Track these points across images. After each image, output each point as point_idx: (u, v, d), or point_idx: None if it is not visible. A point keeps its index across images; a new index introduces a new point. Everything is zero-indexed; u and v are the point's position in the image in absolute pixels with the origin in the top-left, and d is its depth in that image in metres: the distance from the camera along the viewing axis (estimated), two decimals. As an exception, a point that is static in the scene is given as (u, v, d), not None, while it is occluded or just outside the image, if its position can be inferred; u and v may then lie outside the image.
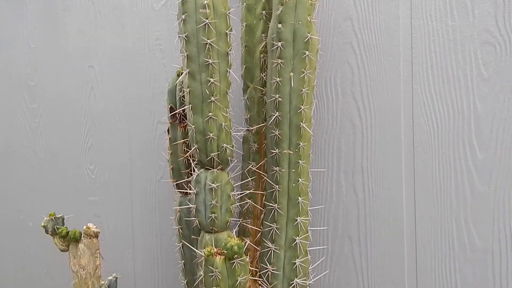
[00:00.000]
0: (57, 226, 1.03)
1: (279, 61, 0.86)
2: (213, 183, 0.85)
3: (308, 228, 0.93)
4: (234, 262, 0.75)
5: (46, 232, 1.03)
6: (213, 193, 0.85)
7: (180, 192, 0.98)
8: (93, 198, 1.37)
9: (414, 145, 1.02)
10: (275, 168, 0.90)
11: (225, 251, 0.75)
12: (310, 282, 0.94)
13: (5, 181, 1.55)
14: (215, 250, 0.77)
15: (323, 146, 1.09)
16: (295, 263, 0.89)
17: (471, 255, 0.96)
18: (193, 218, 0.88)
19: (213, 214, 0.85)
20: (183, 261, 0.96)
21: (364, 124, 1.05)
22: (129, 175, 1.32)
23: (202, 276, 0.79)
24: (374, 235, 1.05)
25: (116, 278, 1.05)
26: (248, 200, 0.97)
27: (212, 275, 0.75)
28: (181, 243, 0.96)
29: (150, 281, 1.30)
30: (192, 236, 0.94)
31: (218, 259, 0.76)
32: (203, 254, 0.77)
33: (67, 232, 1.01)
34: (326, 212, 1.09)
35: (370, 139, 1.05)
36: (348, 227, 1.07)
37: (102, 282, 1.03)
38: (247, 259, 0.78)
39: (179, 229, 0.96)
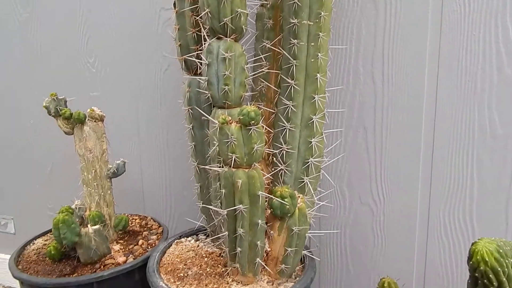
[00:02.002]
0: (60, 107, 0.97)
1: None
2: (227, 52, 0.78)
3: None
4: (250, 129, 0.71)
5: (49, 113, 0.98)
6: (227, 63, 0.78)
7: (189, 71, 0.92)
8: (95, 94, 1.31)
9: (442, 27, 0.93)
10: (292, 41, 0.82)
11: (241, 117, 0.70)
12: (325, 163, 0.91)
13: None
14: (230, 118, 0.73)
15: (341, 31, 1.01)
16: (311, 142, 0.86)
17: (491, 142, 0.93)
18: (205, 92, 0.82)
19: (226, 87, 0.79)
20: (193, 142, 0.92)
21: (388, 5, 0.96)
22: (132, 68, 1.25)
23: (216, 146, 0.75)
24: (390, 125, 1.01)
25: (124, 162, 1.02)
26: (263, 80, 0.91)
27: (228, 142, 0.71)
28: (191, 125, 0.91)
29: (157, 176, 1.28)
30: (203, 118, 0.90)
31: (234, 126, 0.71)
32: (217, 122, 0.73)
33: (71, 114, 0.96)
34: (340, 101, 1.03)
35: (394, 22, 0.97)
36: (363, 116, 1.02)
37: (110, 166, 1.01)
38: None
39: (188, 110, 0.91)
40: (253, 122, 0.70)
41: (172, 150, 1.25)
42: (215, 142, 0.77)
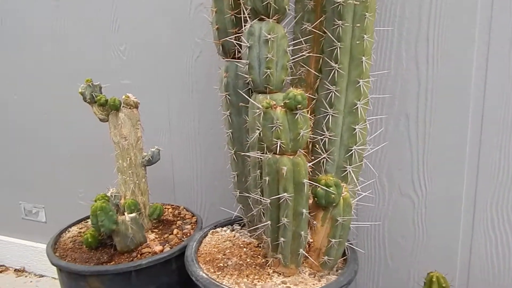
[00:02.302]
0: (96, 94, 0.96)
1: None
2: (269, 34, 0.75)
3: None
4: (296, 114, 0.68)
5: (84, 100, 0.97)
6: (269, 46, 0.75)
7: (226, 56, 0.89)
8: (125, 82, 1.30)
9: (493, 7, 0.88)
10: (337, 22, 0.78)
11: (287, 101, 0.67)
12: (368, 151, 0.87)
13: (27, 69, 1.48)
14: (274, 103, 0.70)
15: (383, 13, 0.96)
16: (355, 129, 0.82)
17: (546, 130, 0.87)
18: (245, 76, 0.79)
19: (268, 70, 0.76)
20: (230, 130, 0.90)
21: (435, -15, 0.91)
22: (163, 55, 1.23)
23: (258, 132, 0.72)
24: (434, 112, 0.96)
25: (159, 150, 1.01)
26: (303, 65, 0.87)
27: (272, 127, 0.68)
28: (228, 111, 0.89)
29: (188, 165, 1.27)
30: (240, 104, 0.87)
31: (279, 110, 0.68)
32: (261, 107, 0.70)
33: (106, 100, 0.95)
34: (381, 87, 0.99)
35: (440, 2, 0.91)
36: (405, 103, 0.98)
37: (145, 154, 0.99)
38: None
39: (226, 96, 0.88)
40: (299, 106, 0.67)
41: (203, 139, 1.23)
42: (257, 128, 0.74)
